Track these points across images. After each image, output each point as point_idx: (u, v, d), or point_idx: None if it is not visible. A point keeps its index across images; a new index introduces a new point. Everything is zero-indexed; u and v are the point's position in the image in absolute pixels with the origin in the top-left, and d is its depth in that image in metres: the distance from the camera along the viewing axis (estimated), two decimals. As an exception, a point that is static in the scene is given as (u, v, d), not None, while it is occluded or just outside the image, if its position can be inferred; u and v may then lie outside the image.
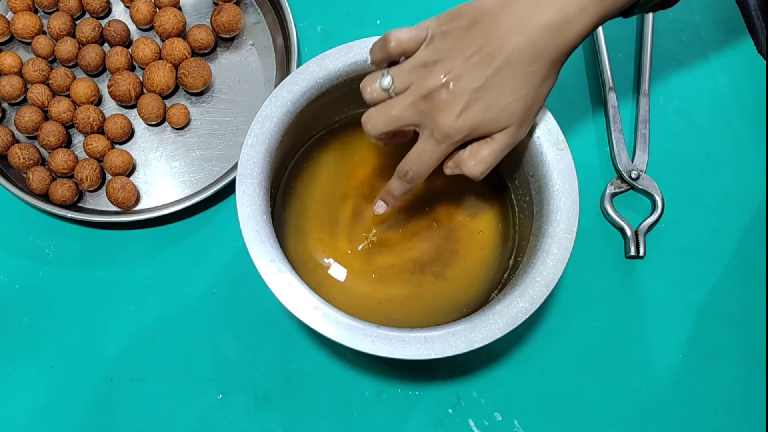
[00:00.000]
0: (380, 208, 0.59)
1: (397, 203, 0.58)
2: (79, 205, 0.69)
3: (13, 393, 0.65)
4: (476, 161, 0.52)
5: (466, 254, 0.63)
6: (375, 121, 0.53)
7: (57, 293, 0.67)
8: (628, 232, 0.68)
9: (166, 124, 0.72)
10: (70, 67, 0.71)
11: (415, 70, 0.51)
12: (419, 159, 0.53)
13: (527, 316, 0.53)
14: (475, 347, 0.52)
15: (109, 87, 0.69)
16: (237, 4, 0.74)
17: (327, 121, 0.65)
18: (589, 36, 0.51)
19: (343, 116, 0.65)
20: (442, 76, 0.49)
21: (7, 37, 0.72)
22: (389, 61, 0.53)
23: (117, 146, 0.70)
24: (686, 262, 0.69)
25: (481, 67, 0.49)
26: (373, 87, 0.52)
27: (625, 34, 0.75)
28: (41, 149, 0.69)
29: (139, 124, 0.72)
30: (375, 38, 0.59)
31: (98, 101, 0.71)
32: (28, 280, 0.67)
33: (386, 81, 0.52)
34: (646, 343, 0.67)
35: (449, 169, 0.54)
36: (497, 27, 0.48)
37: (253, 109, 0.60)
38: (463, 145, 0.52)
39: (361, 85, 0.53)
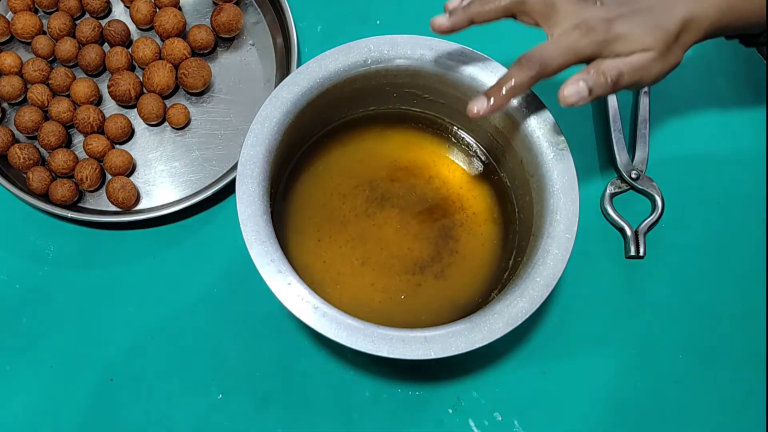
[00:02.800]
0: (480, 103, 0.53)
1: (501, 104, 0.52)
2: (79, 205, 0.69)
3: (13, 393, 0.65)
4: (609, 67, 0.51)
5: (466, 254, 0.63)
6: (550, 52, 0.51)
7: (57, 293, 0.67)
8: (628, 232, 0.68)
9: (166, 124, 0.72)
10: (70, 67, 0.71)
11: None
12: (554, 47, 0.51)
13: (527, 316, 0.53)
14: (475, 347, 0.52)
15: (109, 87, 0.69)
16: (237, 4, 0.74)
17: (327, 121, 0.65)
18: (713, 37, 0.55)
19: (343, 116, 0.65)
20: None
21: (7, 37, 0.72)
22: None
23: (117, 146, 0.70)
24: (686, 262, 0.69)
25: (630, 4, 0.52)
26: None
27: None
28: (41, 149, 0.69)
29: (139, 124, 0.72)
30: (375, 38, 0.59)
31: (98, 101, 0.71)
32: (28, 280, 0.67)
33: None
34: (646, 343, 0.67)
35: (571, 86, 0.51)
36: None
37: (253, 109, 0.60)
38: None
39: None
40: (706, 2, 0.53)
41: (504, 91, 0.52)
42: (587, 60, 0.52)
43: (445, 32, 0.54)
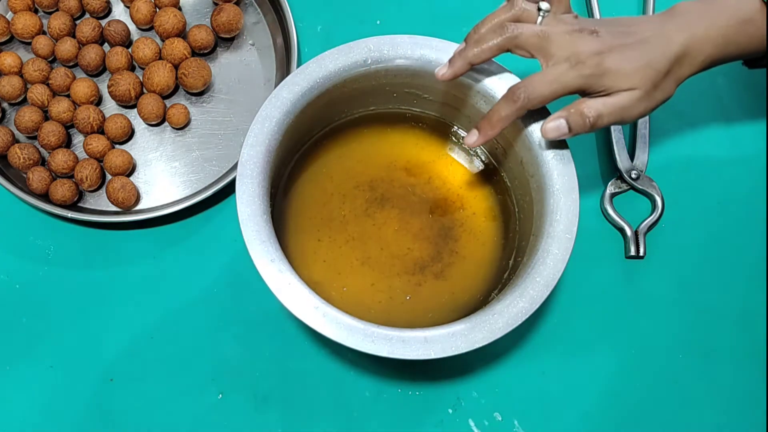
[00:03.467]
0: (472, 137, 0.57)
1: (491, 135, 0.56)
2: (79, 205, 0.69)
3: (13, 393, 0.64)
4: (589, 108, 0.53)
5: (466, 254, 0.63)
6: (535, 85, 0.53)
7: (57, 293, 0.67)
8: (628, 232, 0.68)
9: (166, 124, 0.72)
10: (70, 67, 0.71)
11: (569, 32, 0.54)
12: (541, 80, 0.53)
13: (527, 316, 0.53)
14: (475, 347, 0.52)
15: (109, 87, 0.69)
16: (237, 4, 0.74)
17: (327, 121, 0.65)
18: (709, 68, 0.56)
19: (343, 116, 0.65)
20: (591, 28, 0.54)
21: (7, 37, 0.72)
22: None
23: (117, 146, 0.70)
24: (686, 262, 0.69)
25: (625, 36, 0.54)
26: (519, 3, 0.55)
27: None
28: (41, 149, 0.69)
29: (139, 124, 0.72)
30: (375, 38, 0.59)
31: (98, 101, 0.71)
32: (28, 280, 0.67)
33: (544, 5, 0.54)
34: (646, 343, 0.67)
35: (552, 122, 0.54)
36: (644, 30, 0.54)
37: (253, 109, 0.60)
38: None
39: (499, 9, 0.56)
40: (703, 37, 0.54)
41: (492, 124, 0.55)
42: (575, 92, 0.54)
43: (449, 79, 0.57)
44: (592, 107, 0.53)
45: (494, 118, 0.55)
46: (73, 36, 0.71)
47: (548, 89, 0.53)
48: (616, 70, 0.52)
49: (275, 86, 0.65)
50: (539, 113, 0.58)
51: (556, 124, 0.54)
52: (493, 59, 0.57)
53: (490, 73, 0.59)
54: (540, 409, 0.65)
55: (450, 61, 0.57)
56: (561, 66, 0.53)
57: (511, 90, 0.54)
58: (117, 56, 0.70)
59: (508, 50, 0.55)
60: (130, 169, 0.69)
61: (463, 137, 0.66)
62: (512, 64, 0.60)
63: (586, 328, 0.67)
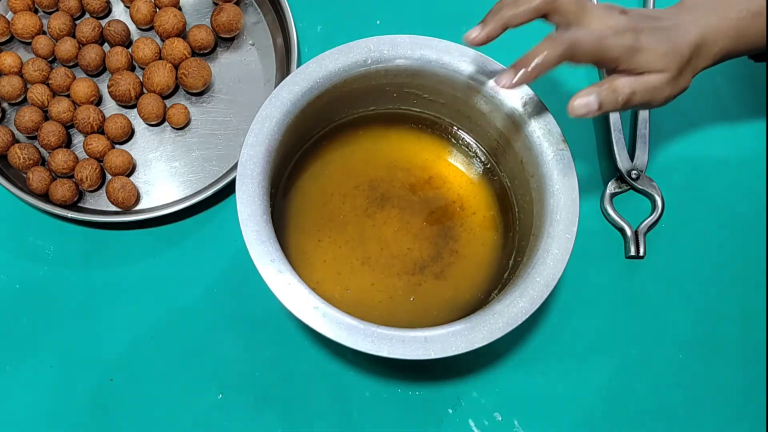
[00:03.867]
0: (507, 77, 0.52)
1: (529, 78, 0.52)
2: (79, 205, 0.69)
3: (13, 393, 0.64)
4: (624, 84, 0.52)
5: (466, 254, 0.63)
6: (581, 36, 0.51)
7: (57, 293, 0.67)
8: (628, 232, 0.68)
9: (166, 124, 0.72)
10: (70, 67, 0.71)
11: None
12: (587, 34, 0.51)
13: (527, 316, 0.53)
14: (475, 347, 0.52)
15: (109, 87, 0.69)
16: (237, 4, 0.74)
17: (327, 121, 0.65)
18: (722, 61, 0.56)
19: (343, 116, 0.65)
20: (622, 8, 0.53)
21: (7, 37, 0.72)
22: None
23: (117, 146, 0.70)
24: (686, 262, 0.69)
25: (653, 21, 0.53)
26: None
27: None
28: (41, 149, 0.69)
29: (139, 124, 0.72)
30: (375, 38, 0.59)
31: (98, 101, 0.71)
32: (28, 280, 0.67)
33: None
34: (646, 343, 0.67)
35: (582, 98, 0.52)
36: (665, 18, 0.54)
37: (253, 109, 0.60)
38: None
39: None
40: (715, 29, 0.54)
41: (533, 65, 0.51)
42: (607, 64, 0.53)
43: (481, 43, 0.53)
44: (626, 84, 0.52)
45: (536, 59, 0.51)
46: (73, 36, 0.71)
47: (593, 45, 0.51)
48: (651, 49, 0.52)
49: (275, 86, 0.65)
50: (539, 111, 0.58)
51: (586, 101, 0.52)
52: (494, 60, 0.57)
53: (490, 74, 0.59)
54: (540, 409, 0.65)
55: (482, 22, 0.53)
56: (605, 30, 0.52)
57: (557, 33, 0.52)
58: (117, 56, 0.70)
59: (545, 14, 0.53)
60: (130, 169, 0.69)
61: (463, 137, 0.66)
62: (513, 58, 0.59)
63: (586, 328, 0.67)
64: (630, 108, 0.54)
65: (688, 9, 0.55)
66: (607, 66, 0.53)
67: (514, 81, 0.52)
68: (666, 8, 0.56)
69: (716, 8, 0.55)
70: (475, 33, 0.53)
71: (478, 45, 0.53)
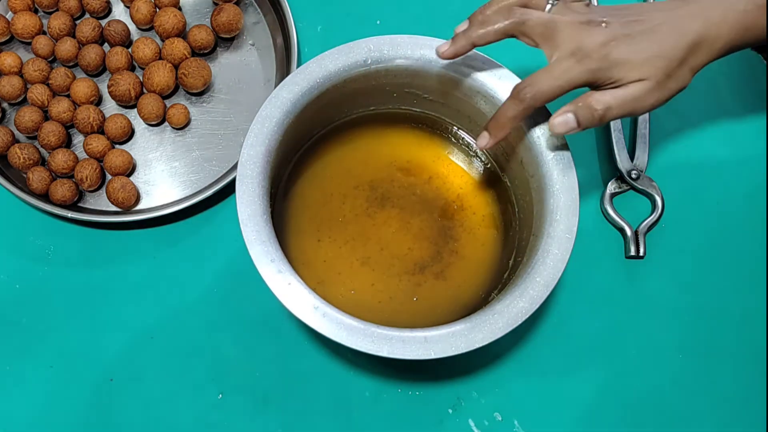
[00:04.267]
0: (483, 140, 0.56)
1: (501, 136, 0.55)
2: (79, 205, 0.69)
3: (13, 393, 0.64)
4: (597, 101, 0.52)
5: (466, 254, 0.63)
6: (541, 83, 0.52)
7: (57, 293, 0.67)
8: (628, 232, 0.68)
9: (166, 124, 0.72)
10: (70, 67, 0.71)
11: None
12: (547, 77, 0.52)
13: (527, 316, 0.53)
14: (475, 347, 0.52)
15: (109, 87, 0.69)
16: (237, 4, 0.74)
17: (327, 121, 0.65)
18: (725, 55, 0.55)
19: (343, 116, 0.65)
20: (600, 18, 0.53)
21: (7, 37, 0.72)
22: None
23: (117, 146, 0.70)
24: (686, 262, 0.69)
25: (636, 24, 0.52)
26: None
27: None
28: (41, 149, 0.69)
29: (139, 124, 0.72)
30: (375, 38, 0.59)
31: (98, 101, 0.71)
32: (28, 280, 0.67)
33: None
34: (646, 343, 0.67)
35: (560, 117, 0.53)
36: (655, 18, 0.53)
37: (253, 109, 0.60)
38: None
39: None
40: (719, 23, 0.52)
41: (501, 125, 0.55)
42: (583, 86, 0.53)
43: (449, 58, 0.56)
44: (601, 100, 0.52)
45: (502, 119, 0.54)
46: (73, 36, 0.71)
47: (554, 85, 0.52)
48: (624, 61, 0.51)
49: (275, 86, 0.65)
50: (540, 112, 0.58)
51: (564, 118, 0.53)
52: (492, 59, 0.57)
53: (490, 73, 0.59)
54: (540, 409, 0.65)
55: (453, 39, 0.55)
56: (567, 61, 0.52)
57: (517, 89, 0.53)
58: (117, 56, 0.70)
59: (512, 36, 0.54)
60: (130, 169, 0.69)
61: (463, 137, 0.66)
62: (513, 58, 0.60)
63: (585, 328, 0.67)
64: (612, 119, 0.53)
65: (689, 2, 0.53)
66: (587, 87, 0.53)
67: (489, 142, 0.56)
68: (665, 2, 0.54)
69: (720, 0, 0.53)
70: (444, 48, 0.56)
71: (447, 59, 0.57)
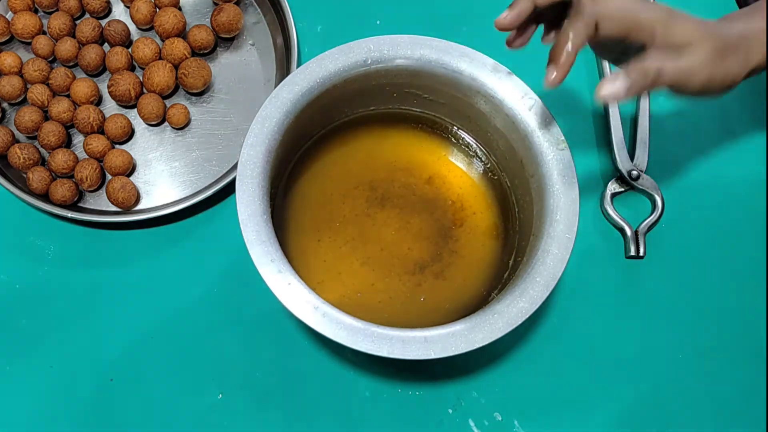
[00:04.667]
0: (551, 75, 0.51)
1: (566, 71, 0.51)
2: (79, 205, 0.69)
3: (13, 393, 0.64)
4: (653, 60, 0.50)
5: (466, 254, 0.63)
6: (610, 4, 0.50)
7: (57, 293, 0.67)
8: (628, 232, 0.68)
9: (166, 124, 0.72)
10: (70, 67, 0.71)
11: None
12: (618, 1, 0.50)
13: (527, 316, 0.53)
14: (475, 347, 0.52)
15: (109, 87, 0.69)
16: (237, 4, 0.74)
17: (327, 121, 0.65)
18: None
19: (343, 116, 0.65)
20: None
21: (7, 37, 0.72)
22: None
23: (117, 146, 0.70)
24: (686, 262, 0.69)
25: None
26: None
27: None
28: (41, 149, 0.69)
29: (139, 124, 0.72)
30: (375, 38, 0.59)
31: (98, 101, 0.71)
32: (28, 280, 0.67)
33: None
34: (646, 343, 0.67)
35: (610, 81, 0.50)
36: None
37: (253, 109, 0.60)
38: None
39: None
40: (760, 33, 0.53)
41: (562, 60, 0.50)
42: (638, 36, 0.50)
43: (511, 24, 0.52)
44: (654, 64, 0.50)
45: (561, 53, 0.50)
46: (73, 36, 0.71)
47: (621, 15, 0.49)
48: (683, 24, 0.50)
49: (275, 86, 0.65)
50: (539, 111, 0.58)
51: (613, 81, 0.49)
52: (494, 60, 0.57)
53: (490, 73, 0.59)
54: (540, 409, 0.65)
55: (512, 5, 0.51)
56: (636, 2, 0.50)
57: (582, 3, 0.50)
58: (117, 56, 0.70)
59: None
60: (130, 169, 0.69)
61: (463, 137, 0.66)
62: (514, 60, 0.60)
63: (585, 328, 0.67)
64: (661, 87, 0.51)
65: (727, 18, 0.54)
66: (638, 40, 0.51)
67: (557, 76, 0.51)
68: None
69: (756, 14, 0.54)
70: (504, 15, 0.52)
71: (507, 27, 0.52)
